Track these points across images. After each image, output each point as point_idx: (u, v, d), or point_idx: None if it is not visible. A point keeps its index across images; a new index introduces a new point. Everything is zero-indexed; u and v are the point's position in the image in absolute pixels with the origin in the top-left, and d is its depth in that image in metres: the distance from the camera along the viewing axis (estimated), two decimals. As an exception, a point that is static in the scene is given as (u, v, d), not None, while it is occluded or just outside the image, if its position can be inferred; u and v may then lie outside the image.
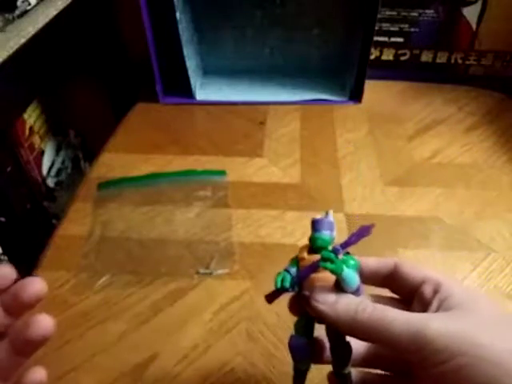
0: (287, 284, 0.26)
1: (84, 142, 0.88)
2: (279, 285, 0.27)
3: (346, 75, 0.73)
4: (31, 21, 0.57)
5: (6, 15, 0.55)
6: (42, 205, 0.73)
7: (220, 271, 0.46)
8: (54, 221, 0.72)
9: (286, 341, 0.41)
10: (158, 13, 0.64)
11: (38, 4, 0.60)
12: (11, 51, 0.52)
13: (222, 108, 0.71)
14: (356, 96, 0.71)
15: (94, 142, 0.82)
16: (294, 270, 0.27)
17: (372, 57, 0.74)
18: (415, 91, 0.74)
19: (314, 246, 0.27)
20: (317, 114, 0.70)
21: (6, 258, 0.63)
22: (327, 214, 0.28)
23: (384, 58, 0.76)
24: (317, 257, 0.26)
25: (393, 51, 0.75)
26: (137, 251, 0.48)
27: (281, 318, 0.42)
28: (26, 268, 0.52)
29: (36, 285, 0.22)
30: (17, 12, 0.56)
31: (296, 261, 0.27)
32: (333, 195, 0.55)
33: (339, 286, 0.26)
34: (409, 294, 0.27)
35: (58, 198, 0.79)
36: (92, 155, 0.66)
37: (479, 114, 0.69)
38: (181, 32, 0.64)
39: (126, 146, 0.64)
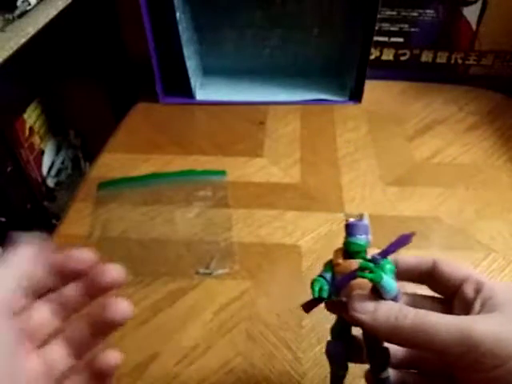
0: (325, 294, 0.26)
1: (84, 142, 0.88)
2: (317, 294, 0.26)
3: (346, 75, 0.73)
4: (31, 21, 0.57)
5: (6, 15, 0.55)
6: (42, 205, 0.73)
7: (220, 271, 0.46)
8: (53, 221, 0.72)
9: (287, 341, 0.41)
10: (158, 13, 0.64)
11: (38, 4, 0.60)
12: (11, 51, 0.52)
13: (222, 108, 0.71)
14: (356, 96, 0.71)
15: (94, 142, 0.82)
16: (329, 276, 0.26)
17: (372, 57, 0.74)
18: (415, 91, 0.74)
19: (349, 251, 0.26)
20: (317, 114, 0.70)
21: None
22: (361, 216, 0.27)
23: (384, 58, 0.76)
24: (353, 263, 0.25)
25: (393, 51, 0.75)
26: (137, 251, 0.48)
27: (281, 318, 0.42)
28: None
29: (114, 272, 0.23)
30: (17, 12, 0.56)
31: (331, 266, 0.27)
32: (333, 195, 0.55)
33: (377, 293, 0.25)
34: (448, 292, 0.27)
35: (57, 197, 0.79)
36: (92, 155, 0.66)
37: (479, 113, 0.69)
38: (181, 32, 0.64)
39: (126, 146, 0.64)
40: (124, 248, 0.48)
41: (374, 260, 0.25)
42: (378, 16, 0.62)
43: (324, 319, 0.42)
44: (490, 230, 0.50)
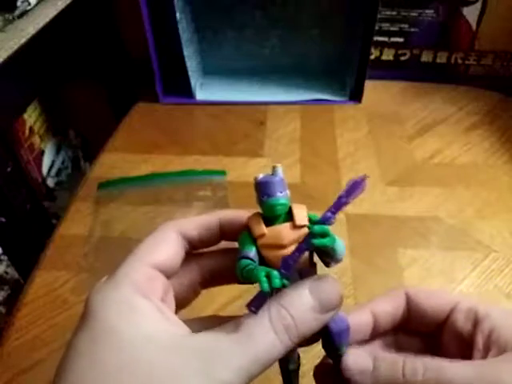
0: (278, 283, 0.19)
1: (84, 142, 0.88)
2: (267, 286, 0.19)
3: (346, 75, 0.73)
4: (31, 21, 0.57)
5: (6, 15, 0.55)
6: (42, 205, 0.73)
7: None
8: (53, 221, 0.72)
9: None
10: (158, 13, 0.64)
11: (37, 4, 0.60)
12: (11, 51, 0.52)
13: (222, 108, 0.71)
14: (356, 96, 0.71)
15: (94, 142, 0.82)
16: (253, 254, 0.20)
17: (372, 57, 0.74)
18: (415, 91, 0.74)
19: (272, 215, 0.21)
20: (317, 114, 0.70)
21: (5, 257, 0.63)
22: (275, 170, 0.21)
23: (384, 58, 0.76)
24: (285, 230, 0.20)
25: (393, 51, 0.75)
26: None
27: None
28: (26, 268, 0.52)
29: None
30: (17, 12, 0.56)
31: (251, 239, 0.21)
32: (333, 195, 0.54)
33: (323, 259, 0.21)
34: (432, 327, 0.23)
35: (57, 197, 0.79)
36: (92, 155, 0.66)
37: (479, 114, 0.69)
38: (181, 32, 0.64)
39: (126, 146, 0.64)
40: (124, 248, 0.48)
41: (326, 220, 0.20)
42: (378, 16, 0.62)
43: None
44: (490, 230, 0.50)
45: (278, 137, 0.65)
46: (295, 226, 0.20)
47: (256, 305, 0.20)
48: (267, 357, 0.19)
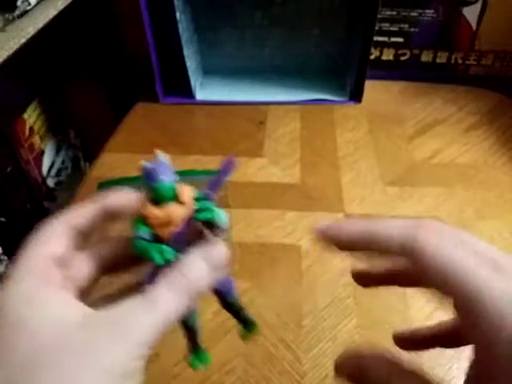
0: (170, 255, 0.21)
1: (84, 142, 0.88)
2: (162, 260, 0.21)
3: (346, 75, 0.73)
4: (31, 21, 0.57)
5: (6, 15, 0.55)
6: (42, 205, 0.73)
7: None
8: (54, 221, 0.72)
9: (287, 341, 0.41)
10: (158, 13, 0.64)
11: (37, 4, 0.60)
12: (11, 51, 0.52)
13: (222, 108, 0.71)
14: (356, 96, 0.71)
15: (94, 142, 0.82)
16: (148, 235, 0.22)
17: (372, 57, 0.74)
18: (415, 91, 0.75)
19: (159, 197, 0.22)
20: (317, 114, 0.70)
21: (5, 257, 0.63)
22: (156, 156, 0.23)
23: (384, 57, 0.76)
24: (175, 209, 0.22)
25: (393, 51, 0.75)
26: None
27: (281, 318, 0.42)
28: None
29: None
30: (17, 12, 0.56)
31: (142, 221, 0.22)
32: (333, 195, 0.55)
33: (211, 231, 0.23)
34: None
35: (58, 197, 0.79)
36: (92, 155, 0.66)
37: (479, 113, 0.69)
38: (181, 32, 0.64)
39: (126, 146, 0.64)
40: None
41: (207, 196, 0.22)
42: (378, 16, 0.62)
43: (324, 319, 0.42)
44: (490, 230, 0.50)
45: (278, 137, 0.65)
46: (181, 204, 0.22)
47: (150, 279, 0.21)
48: (171, 315, 0.20)
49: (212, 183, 0.23)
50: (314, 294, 0.44)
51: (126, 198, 0.24)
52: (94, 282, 0.23)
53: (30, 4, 0.58)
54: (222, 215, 0.22)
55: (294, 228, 0.50)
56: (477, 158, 0.61)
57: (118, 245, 0.24)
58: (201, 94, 0.73)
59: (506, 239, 0.49)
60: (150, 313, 0.19)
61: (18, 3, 0.56)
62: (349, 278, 0.45)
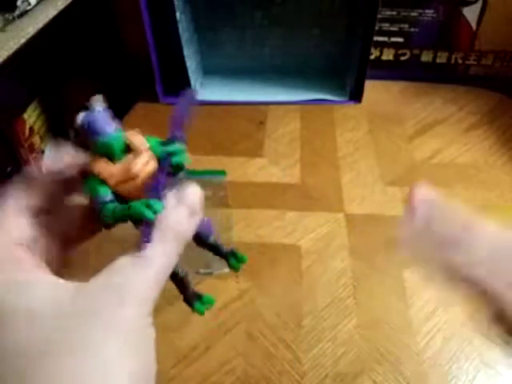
0: (159, 207, 0.19)
1: (84, 142, 0.88)
2: (151, 215, 0.19)
3: (346, 75, 0.73)
4: (31, 21, 0.57)
5: (6, 15, 0.55)
6: (42, 205, 0.73)
7: (220, 271, 0.46)
8: (54, 221, 0.72)
9: (287, 341, 0.41)
10: (158, 13, 0.64)
11: (37, 4, 0.60)
12: (11, 51, 0.52)
13: (222, 108, 0.71)
14: (356, 96, 0.71)
15: (94, 142, 0.81)
16: (110, 195, 0.20)
17: (372, 57, 0.74)
18: (415, 91, 0.74)
19: (108, 153, 0.20)
20: (317, 114, 0.70)
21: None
22: (92, 105, 0.20)
23: (384, 57, 0.76)
24: (129, 162, 0.20)
25: (393, 51, 0.75)
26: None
27: (281, 318, 0.42)
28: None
29: None
30: (17, 12, 0.56)
31: (100, 182, 0.20)
32: (333, 195, 0.55)
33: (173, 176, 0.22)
34: None
35: (58, 197, 0.79)
36: (92, 155, 0.66)
37: (479, 113, 0.69)
38: (181, 32, 0.64)
39: (126, 146, 0.64)
40: (124, 248, 0.48)
41: (179, 138, 0.21)
42: (378, 16, 0.62)
43: (324, 319, 0.42)
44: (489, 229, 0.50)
45: (278, 137, 0.65)
46: (139, 153, 0.20)
47: (148, 237, 0.20)
48: (166, 267, 0.20)
49: (175, 124, 0.21)
50: (314, 293, 0.44)
51: (72, 160, 0.22)
52: (64, 257, 0.23)
53: (29, 4, 0.58)
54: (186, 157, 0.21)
55: (294, 228, 0.50)
56: (477, 157, 0.61)
57: (77, 214, 0.23)
58: (201, 94, 0.73)
59: (506, 239, 0.49)
60: (147, 268, 0.19)
61: (18, 3, 0.56)
62: (349, 278, 0.45)
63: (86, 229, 0.23)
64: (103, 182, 0.20)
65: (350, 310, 0.42)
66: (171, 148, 0.20)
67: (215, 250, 0.26)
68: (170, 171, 0.21)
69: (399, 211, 0.53)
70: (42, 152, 0.76)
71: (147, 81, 0.71)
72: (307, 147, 0.63)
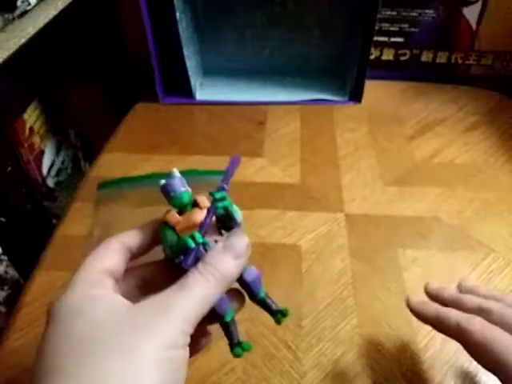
0: (199, 238, 0.24)
1: (84, 142, 0.88)
2: (192, 242, 0.24)
3: (346, 75, 0.73)
4: (31, 21, 0.57)
5: (6, 15, 0.55)
6: (42, 205, 0.73)
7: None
8: (54, 221, 0.72)
9: (287, 341, 0.41)
10: (158, 13, 0.64)
11: (37, 4, 0.60)
12: (11, 51, 0.52)
13: (222, 108, 0.71)
14: (356, 96, 0.71)
15: (94, 142, 0.82)
16: (173, 238, 0.25)
17: (372, 57, 0.74)
18: (415, 91, 0.75)
19: (182, 205, 0.26)
20: (317, 114, 0.70)
21: (5, 257, 0.63)
22: (171, 173, 0.27)
23: (384, 57, 0.76)
24: (194, 213, 0.25)
25: (393, 51, 0.75)
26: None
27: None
28: (26, 268, 0.52)
29: None
30: (17, 12, 0.56)
31: (170, 228, 0.25)
32: (333, 195, 0.55)
33: (223, 224, 0.26)
34: None
35: (58, 197, 0.79)
36: (92, 155, 0.66)
37: (479, 113, 0.69)
38: (181, 32, 0.64)
39: (126, 146, 0.64)
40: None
41: (222, 188, 0.25)
42: (378, 16, 0.62)
43: (324, 319, 0.42)
44: (490, 229, 0.50)
45: (278, 137, 0.65)
46: (201, 208, 0.25)
47: (187, 261, 0.24)
48: (204, 299, 0.22)
49: (224, 178, 0.26)
50: (314, 294, 0.44)
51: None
52: (133, 299, 0.26)
53: (29, 4, 0.58)
54: (237, 209, 0.26)
55: (294, 228, 0.50)
56: (477, 158, 0.61)
57: (153, 267, 0.28)
58: (201, 94, 0.73)
59: (506, 239, 0.49)
60: (186, 295, 0.22)
61: (18, 3, 0.56)
62: (349, 278, 0.45)
63: (153, 281, 0.27)
64: (172, 228, 0.25)
65: (350, 310, 0.42)
66: (216, 195, 0.25)
67: (261, 302, 0.28)
68: (223, 217, 0.26)
69: (399, 211, 0.53)
70: (42, 152, 0.76)
71: (147, 81, 0.71)
72: (307, 147, 0.63)
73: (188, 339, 0.21)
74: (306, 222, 0.51)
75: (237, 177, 0.60)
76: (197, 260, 0.24)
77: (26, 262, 0.54)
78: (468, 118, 0.68)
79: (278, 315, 0.28)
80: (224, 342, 0.40)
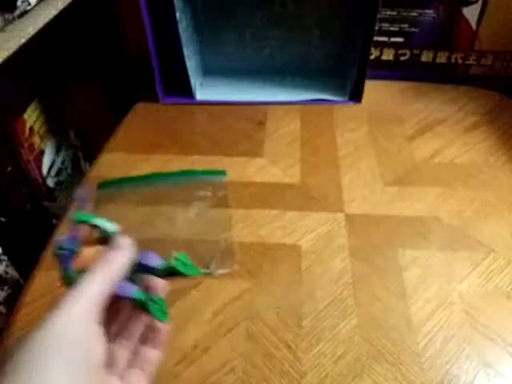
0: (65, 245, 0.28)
1: (84, 142, 0.88)
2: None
3: (346, 75, 0.73)
4: (31, 21, 0.57)
5: (6, 15, 0.55)
6: (42, 205, 0.73)
7: (220, 271, 0.46)
8: (54, 221, 0.72)
9: (287, 341, 0.41)
10: (158, 13, 0.64)
11: (37, 4, 0.60)
12: (11, 51, 0.52)
13: (222, 108, 0.71)
14: (356, 96, 0.71)
15: (94, 141, 0.82)
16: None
17: (372, 57, 0.74)
18: (415, 91, 0.75)
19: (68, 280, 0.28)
20: (317, 114, 0.70)
21: (5, 257, 0.63)
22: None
23: (384, 58, 0.76)
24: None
25: (393, 51, 0.75)
26: (137, 251, 0.48)
27: (281, 318, 0.42)
28: (26, 268, 0.52)
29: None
30: (17, 12, 0.56)
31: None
32: (333, 195, 0.55)
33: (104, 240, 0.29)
34: None
35: (58, 197, 0.79)
36: (92, 155, 0.66)
37: (479, 113, 0.69)
38: (181, 32, 0.64)
39: (126, 146, 0.64)
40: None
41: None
42: (378, 16, 0.62)
43: (324, 319, 0.42)
44: (489, 229, 0.50)
45: (278, 137, 0.65)
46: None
47: (67, 267, 0.28)
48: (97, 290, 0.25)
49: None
50: (314, 293, 0.44)
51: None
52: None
53: (29, 4, 0.58)
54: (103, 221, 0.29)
55: (294, 228, 0.50)
56: (477, 158, 0.61)
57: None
58: (201, 94, 0.73)
59: (506, 239, 0.49)
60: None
61: (18, 3, 0.56)
62: (349, 278, 0.45)
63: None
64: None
65: (350, 310, 0.42)
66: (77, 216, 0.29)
67: (169, 275, 0.30)
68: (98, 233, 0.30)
69: (399, 211, 0.53)
70: (42, 152, 0.76)
71: (147, 81, 0.71)
72: (307, 147, 0.63)
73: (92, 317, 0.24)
74: (306, 222, 0.51)
75: (237, 177, 0.60)
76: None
77: (26, 261, 0.54)
78: (468, 118, 0.68)
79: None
80: (224, 343, 0.40)
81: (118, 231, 0.30)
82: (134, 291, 0.28)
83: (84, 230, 0.29)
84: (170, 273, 0.30)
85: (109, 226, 0.30)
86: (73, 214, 0.29)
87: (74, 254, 0.28)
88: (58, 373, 0.21)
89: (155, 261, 0.30)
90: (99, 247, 0.29)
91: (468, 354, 0.39)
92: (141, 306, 0.28)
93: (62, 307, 0.24)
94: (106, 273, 0.26)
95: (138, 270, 0.29)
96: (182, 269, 0.30)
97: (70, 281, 0.27)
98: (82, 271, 0.27)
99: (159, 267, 0.30)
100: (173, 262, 0.30)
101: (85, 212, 0.30)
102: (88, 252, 0.29)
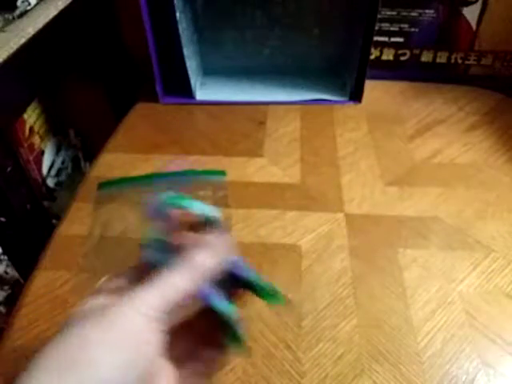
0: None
1: (84, 142, 0.89)
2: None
3: (346, 75, 0.73)
4: (31, 21, 0.57)
5: (6, 15, 0.55)
6: (42, 205, 0.73)
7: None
8: (54, 221, 0.72)
9: (287, 341, 0.41)
10: (158, 13, 0.64)
11: (37, 4, 0.60)
12: (11, 51, 0.52)
13: (222, 108, 0.71)
14: (356, 96, 0.71)
15: (94, 142, 0.82)
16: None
17: (372, 57, 0.74)
18: (415, 91, 0.75)
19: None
20: (317, 113, 0.70)
21: (5, 257, 0.63)
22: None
23: (384, 58, 0.76)
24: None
25: (393, 51, 0.75)
26: (137, 251, 0.48)
27: (281, 318, 0.42)
28: (26, 268, 0.52)
29: None
30: (17, 12, 0.56)
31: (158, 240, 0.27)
32: (333, 195, 0.55)
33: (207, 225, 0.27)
34: None
35: (58, 197, 0.79)
36: (92, 155, 0.66)
37: (479, 113, 0.69)
38: (181, 32, 0.64)
39: (126, 146, 0.64)
40: (124, 248, 0.48)
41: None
42: (378, 16, 0.62)
43: (324, 319, 0.42)
44: (490, 230, 0.50)
45: (278, 137, 0.65)
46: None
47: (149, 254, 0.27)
48: (170, 287, 0.23)
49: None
50: (314, 293, 0.44)
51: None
52: None
53: (29, 4, 0.58)
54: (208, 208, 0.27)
55: (294, 228, 0.50)
56: (477, 158, 0.61)
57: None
58: (201, 94, 0.73)
59: (506, 239, 0.49)
60: (155, 290, 0.23)
61: (18, 3, 0.56)
62: (349, 278, 0.45)
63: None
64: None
65: (350, 310, 0.42)
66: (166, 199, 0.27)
67: (252, 288, 0.28)
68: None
69: (399, 211, 0.53)
70: (42, 152, 0.76)
71: (147, 81, 0.71)
72: (307, 147, 0.63)
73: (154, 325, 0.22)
74: (306, 222, 0.51)
75: (237, 177, 0.60)
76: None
77: (26, 262, 0.54)
78: (468, 118, 0.68)
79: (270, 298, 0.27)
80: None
81: (220, 218, 0.27)
82: (225, 304, 0.26)
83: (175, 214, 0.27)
84: (249, 287, 0.27)
85: (208, 209, 0.27)
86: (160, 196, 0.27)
87: (167, 215, 0.26)
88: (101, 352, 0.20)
89: (247, 271, 0.27)
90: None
91: (468, 354, 0.39)
92: (227, 323, 0.26)
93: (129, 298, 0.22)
94: (192, 271, 0.24)
95: (227, 278, 0.26)
96: (268, 294, 0.27)
97: (147, 239, 0.26)
98: (167, 242, 0.26)
99: (253, 280, 0.27)
100: (266, 280, 0.27)
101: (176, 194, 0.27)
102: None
